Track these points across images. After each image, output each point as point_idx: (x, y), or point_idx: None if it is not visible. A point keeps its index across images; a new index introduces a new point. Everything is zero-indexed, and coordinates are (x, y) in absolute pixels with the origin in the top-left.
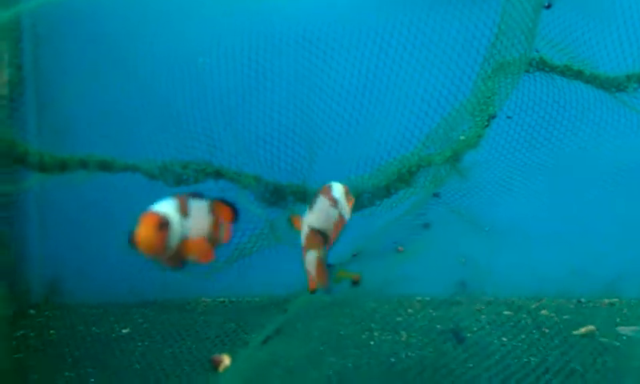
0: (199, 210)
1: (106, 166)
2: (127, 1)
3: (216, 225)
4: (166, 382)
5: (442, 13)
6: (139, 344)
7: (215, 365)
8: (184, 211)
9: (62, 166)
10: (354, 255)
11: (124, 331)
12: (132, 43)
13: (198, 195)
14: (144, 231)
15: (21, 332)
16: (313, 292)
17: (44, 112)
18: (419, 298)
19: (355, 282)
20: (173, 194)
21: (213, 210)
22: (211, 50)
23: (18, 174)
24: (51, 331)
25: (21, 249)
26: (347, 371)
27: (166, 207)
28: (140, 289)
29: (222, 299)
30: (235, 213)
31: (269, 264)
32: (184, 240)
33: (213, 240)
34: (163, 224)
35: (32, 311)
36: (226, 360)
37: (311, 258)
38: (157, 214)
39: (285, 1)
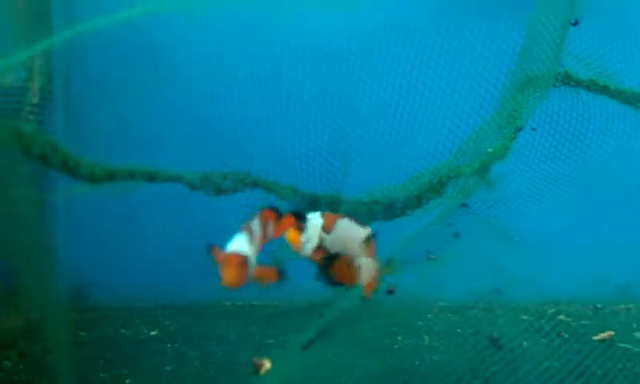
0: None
1: (151, 177)
2: (166, 16)
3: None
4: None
5: (471, 29)
6: (168, 346)
7: (257, 368)
8: (252, 240)
9: (111, 177)
10: (387, 262)
11: (152, 333)
12: (171, 57)
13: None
14: (230, 274)
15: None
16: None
17: (72, 122)
18: (439, 303)
19: (390, 292)
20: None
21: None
22: (251, 64)
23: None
24: (82, 333)
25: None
26: (375, 374)
27: (241, 244)
28: (161, 292)
29: (241, 303)
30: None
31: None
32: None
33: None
34: (242, 263)
35: None
36: (267, 364)
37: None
38: (238, 255)
39: (322, 18)
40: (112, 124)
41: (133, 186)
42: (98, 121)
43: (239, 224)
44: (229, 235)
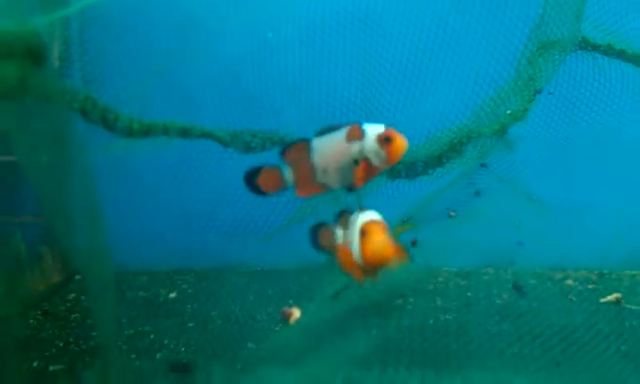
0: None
1: (185, 132)
2: None
3: None
4: (219, 338)
5: None
6: (188, 306)
7: (286, 317)
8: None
9: (147, 131)
10: (406, 220)
11: (171, 296)
12: (196, 17)
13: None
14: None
15: (72, 295)
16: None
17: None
18: (446, 269)
19: (413, 244)
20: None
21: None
22: (279, 26)
23: None
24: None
25: None
26: (390, 330)
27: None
28: (178, 258)
29: (256, 268)
30: None
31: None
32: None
33: None
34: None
35: (78, 277)
36: (297, 313)
37: None
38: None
39: None
40: (131, 89)
41: (166, 141)
42: (117, 87)
43: None
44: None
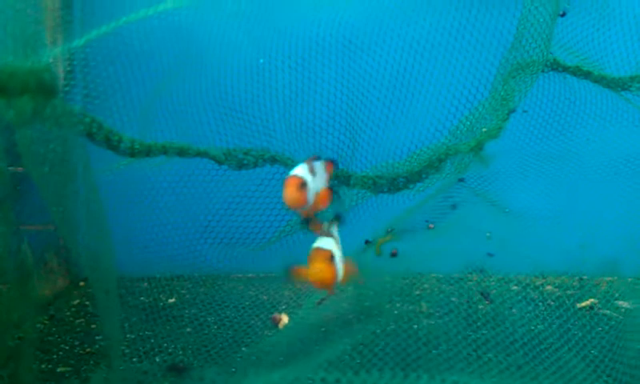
0: (320, 168)
1: (182, 152)
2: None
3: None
4: (213, 344)
5: (467, 17)
6: (186, 311)
7: (276, 322)
8: (312, 172)
9: (148, 152)
10: (389, 231)
11: (170, 301)
12: (195, 41)
13: (317, 158)
14: (290, 192)
15: (77, 301)
16: None
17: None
18: (434, 275)
19: (394, 255)
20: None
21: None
22: (270, 52)
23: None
24: None
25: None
26: (375, 336)
27: (302, 171)
28: (175, 264)
29: (251, 275)
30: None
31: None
32: (315, 194)
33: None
34: (303, 184)
35: (82, 283)
36: (285, 318)
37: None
38: (298, 177)
39: (328, 6)
40: (130, 106)
41: (164, 160)
42: (117, 104)
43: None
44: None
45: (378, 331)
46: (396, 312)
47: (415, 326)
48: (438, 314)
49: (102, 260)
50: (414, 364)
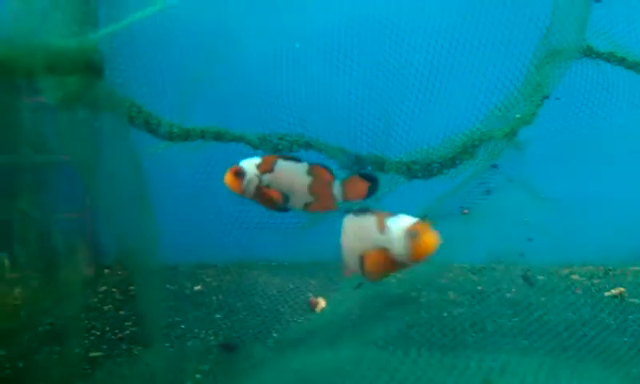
0: (285, 168)
1: (219, 136)
2: None
3: (317, 186)
4: (247, 327)
5: (503, 1)
6: (214, 298)
7: (313, 306)
8: (265, 168)
9: (186, 136)
10: (423, 217)
11: (196, 288)
12: (228, 27)
13: (292, 158)
14: (226, 177)
15: (103, 288)
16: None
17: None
18: (460, 265)
19: None
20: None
21: (311, 172)
22: (306, 36)
23: None
24: (130, 287)
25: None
26: (406, 324)
27: (248, 163)
28: (201, 253)
29: (275, 263)
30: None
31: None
32: (261, 188)
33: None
34: (239, 173)
35: (107, 271)
36: (322, 302)
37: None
38: (238, 166)
39: None
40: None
41: (202, 144)
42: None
43: None
44: None
45: (415, 318)
46: (423, 301)
47: (445, 314)
48: (466, 303)
49: (148, 242)
50: (461, 346)
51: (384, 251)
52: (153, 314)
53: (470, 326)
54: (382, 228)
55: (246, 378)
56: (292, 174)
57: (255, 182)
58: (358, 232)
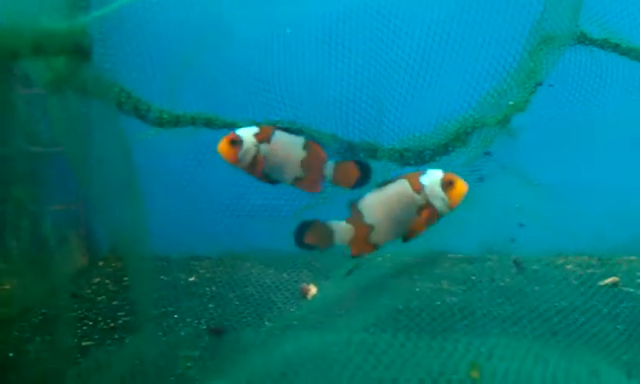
0: (283, 139)
1: (209, 123)
2: None
3: (310, 161)
4: (238, 318)
5: None
6: (207, 289)
7: (304, 293)
8: (263, 137)
9: (176, 122)
10: None
11: (190, 279)
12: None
13: (289, 130)
14: (221, 145)
15: (97, 279)
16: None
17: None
18: (451, 255)
19: None
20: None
21: (307, 147)
22: (297, 21)
23: None
24: (125, 278)
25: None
26: (398, 311)
27: (245, 132)
28: (194, 245)
29: (269, 254)
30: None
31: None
32: (258, 157)
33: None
34: (235, 141)
35: (101, 263)
36: (313, 289)
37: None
38: (233, 134)
39: None
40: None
41: (192, 131)
42: (136, 77)
43: None
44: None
45: (406, 305)
46: (417, 289)
47: (439, 303)
48: (460, 291)
49: (138, 228)
50: (450, 330)
51: (428, 208)
52: (144, 302)
53: (459, 310)
54: (417, 188)
55: (234, 363)
56: (289, 145)
57: (252, 151)
58: (398, 200)
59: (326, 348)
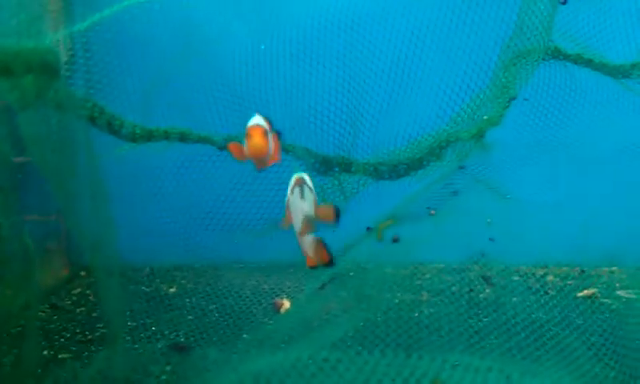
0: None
1: (183, 137)
2: None
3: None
4: (215, 330)
5: (468, 3)
6: (187, 300)
7: (277, 307)
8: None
9: (149, 137)
10: (391, 219)
11: (171, 290)
12: (196, 27)
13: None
14: (255, 138)
15: (78, 290)
16: (312, 268)
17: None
18: (434, 265)
19: (395, 240)
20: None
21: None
22: (274, 37)
23: None
24: None
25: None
26: (376, 322)
27: (259, 120)
28: (177, 255)
29: (253, 265)
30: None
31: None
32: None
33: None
34: (265, 132)
35: (82, 273)
36: (287, 303)
37: (308, 240)
38: (261, 126)
39: None
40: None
41: (165, 146)
42: (118, 90)
43: None
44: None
45: (379, 319)
46: (397, 301)
47: (416, 314)
48: (439, 303)
49: (106, 242)
50: (416, 345)
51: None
52: (113, 316)
53: (434, 322)
54: None
55: (201, 380)
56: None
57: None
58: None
59: (291, 364)
